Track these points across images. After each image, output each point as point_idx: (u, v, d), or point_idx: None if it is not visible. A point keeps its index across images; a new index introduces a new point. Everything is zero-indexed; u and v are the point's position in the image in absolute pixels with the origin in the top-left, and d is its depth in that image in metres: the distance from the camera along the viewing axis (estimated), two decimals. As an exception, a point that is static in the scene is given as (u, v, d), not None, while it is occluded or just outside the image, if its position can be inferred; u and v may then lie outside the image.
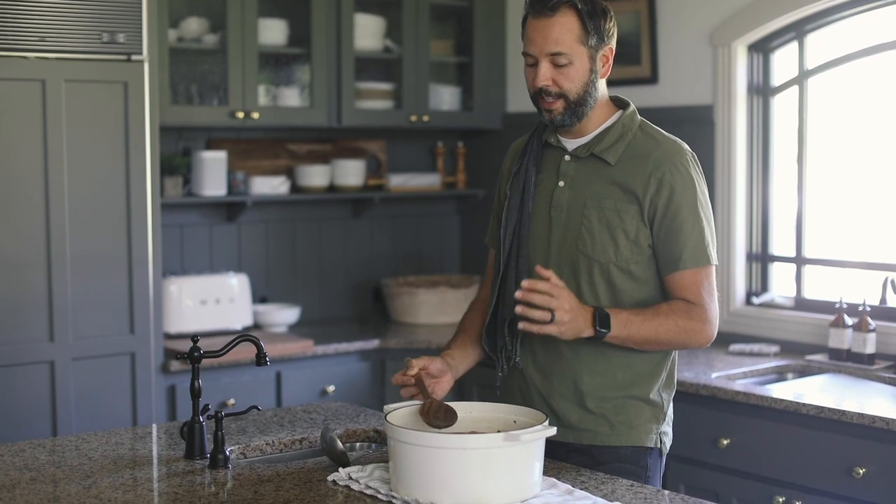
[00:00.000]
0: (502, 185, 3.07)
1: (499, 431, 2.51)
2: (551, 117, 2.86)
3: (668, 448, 2.94)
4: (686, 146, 2.89)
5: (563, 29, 2.78)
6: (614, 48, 2.88)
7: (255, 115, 5.17)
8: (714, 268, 2.85)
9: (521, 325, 2.70)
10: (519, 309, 2.69)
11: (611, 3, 4.88)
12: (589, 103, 2.85)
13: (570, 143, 2.92)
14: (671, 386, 2.95)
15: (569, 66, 2.80)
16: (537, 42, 2.80)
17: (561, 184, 2.90)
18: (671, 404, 2.96)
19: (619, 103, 2.96)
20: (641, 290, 2.85)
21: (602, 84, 2.89)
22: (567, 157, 2.91)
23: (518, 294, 2.69)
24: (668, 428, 2.94)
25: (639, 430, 2.88)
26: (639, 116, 2.94)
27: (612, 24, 2.86)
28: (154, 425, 3.35)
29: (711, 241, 2.85)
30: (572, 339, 2.73)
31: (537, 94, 2.85)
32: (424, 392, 2.75)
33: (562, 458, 2.86)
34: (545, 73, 2.81)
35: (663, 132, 2.92)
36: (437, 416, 2.66)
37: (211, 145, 5.42)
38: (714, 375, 4.28)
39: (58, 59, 4.30)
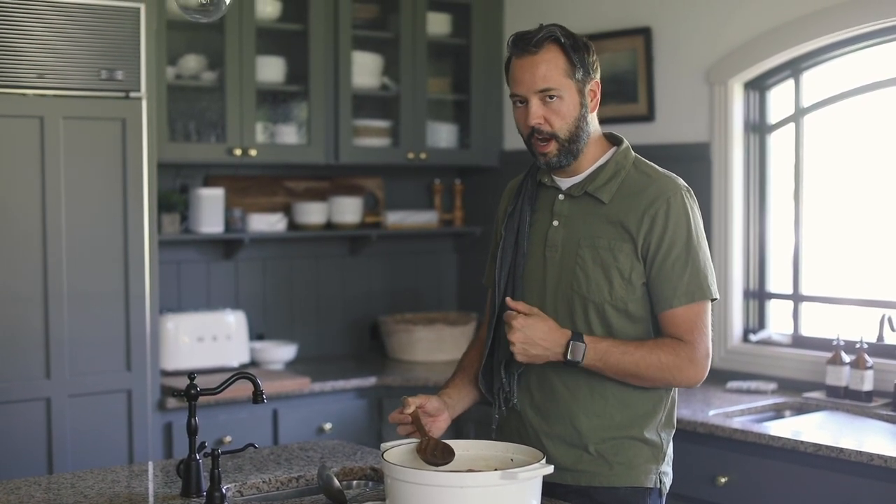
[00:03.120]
0: (499, 226, 3.06)
1: (496, 469, 2.51)
2: (546, 160, 2.85)
3: (668, 488, 2.92)
4: (681, 181, 2.88)
5: (550, 65, 2.78)
6: (600, 83, 2.88)
7: (253, 152, 5.18)
8: (709, 304, 2.83)
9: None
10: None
11: (607, 42, 4.90)
12: (582, 139, 2.84)
13: (564, 183, 2.91)
14: (670, 425, 2.93)
15: (559, 102, 2.79)
16: (525, 81, 2.80)
17: (555, 223, 2.89)
18: (671, 444, 2.94)
19: (613, 140, 2.95)
20: (637, 328, 2.84)
21: (594, 120, 2.88)
22: (561, 197, 2.90)
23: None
24: (667, 468, 2.92)
25: (638, 470, 2.86)
26: (633, 153, 2.93)
27: (594, 58, 2.86)
28: (150, 463, 3.34)
29: (709, 275, 2.83)
30: (540, 363, 2.77)
31: (530, 136, 2.84)
32: (421, 430, 2.74)
33: (560, 499, 2.85)
34: (536, 110, 2.80)
35: (657, 168, 2.91)
36: (435, 455, 2.65)
37: (209, 182, 5.42)
38: (712, 413, 4.27)
39: (56, 95, 4.31)
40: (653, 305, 2.83)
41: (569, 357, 2.74)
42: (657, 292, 2.81)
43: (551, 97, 2.79)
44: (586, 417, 2.84)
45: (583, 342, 2.74)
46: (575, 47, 2.80)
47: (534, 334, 2.73)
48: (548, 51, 2.78)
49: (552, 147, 2.82)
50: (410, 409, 2.77)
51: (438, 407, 2.86)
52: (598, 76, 2.87)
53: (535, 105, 2.80)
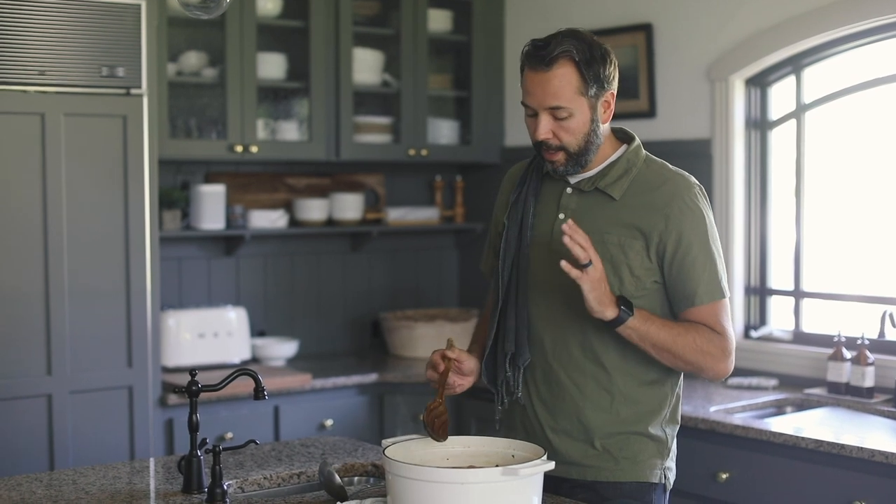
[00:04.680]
0: (500, 213, 3.05)
1: (497, 466, 2.51)
2: (554, 167, 2.84)
3: (672, 484, 2.93)
4: (693, 179, 2.88)
5: (562, 82, 2.75)
6: (616, 92, 2.85)
7: (254, 149, 5.18)
8: (728, 301, 2.84)
9: (562, 264, 2.65)
10: (566, 238, 2.66)
11: (608, 38, 4.88)
12: (592, 151, 2.83)
13: (573, 177, 2.90)
14: (675, 421, 2.93)
15: (569, 119, 2.77)
16: (536, 95, 2.78)
17: (561, 216, 2.88)
18: (675, 440, 2.94)
19: (624, 136, 2.94)
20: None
21: (604, 126, 2.87)
22: (569, 190, 2.90)
23: (565, 227, 2.66)
24: (672, 463, 2.93)
25: (643, 465, 2.86)
26: (644, 150, 2.92)
27: (612, 68, 2.81)
28: (151, 459, 3.34)
29: (723, 274, 2.84)
30: (596, 311, 2.68)
31: (539, 146, 2.83)
32: (442, 387, 2.79)
33: (566, 494, 2.85)
34: (545, 126, 2.78)
35: (669, 166, 2.91)
36: (434, 427, 2.70)
37: (209, 179, 5.42)
38: (713, 409, 4.27)
39: (57, 92, 4.31)
40: (673, 305, 2.84)
41: (622, 306, 2.69)
42: (678, 292, 2.81)
43: (562, 115, 2.77)
44: (592, 412, 2.84)
45: (629, 300, 2.74)
46: (590, 62, 2.76)
47: (602, 275, 2.68)
48: (561, 66, 2.75)
49: (560, 157, 2.82)
50: (454, 355, 2.81)
51: (472, 369, 2.89)
52: (614, 86, 2.84)
53: (545, 121, 2.79)
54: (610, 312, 2.70)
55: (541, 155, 2.86)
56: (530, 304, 2.89)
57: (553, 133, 2.79)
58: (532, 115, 2.82)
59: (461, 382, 2.88)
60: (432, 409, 2.73)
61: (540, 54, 2.76)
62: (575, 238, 2.66)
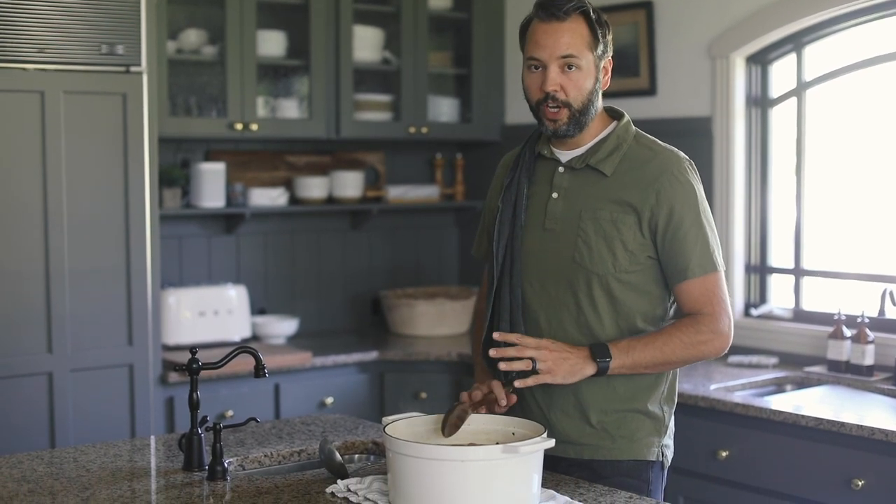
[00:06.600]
0: (493, 199, 3.06)
1: (497, 443, 2.51)
2: (555, 127, 2.84)
3: (669, 461, 2.93)
4: (682, 154, 2.89)
5: (575, 34, 2.79)
6: (612, 61, 2.91)
7: (254, 127, 5.17)
8: (722, 273, 2.85)
9: (517, 383, 2.71)
10: (503, 365, 2.72)
11: (609, 15, 4.90)
12: (591, 113, 2.85)
13: (564, 155, 2.91)
14: (672, 399, 2.94)
15: (577, 72, 2.80)
16: (547, 46, 2.80)
17: (555, 195, 2.89)
18: (672, 417, 2.95)
19: (613, 114, 2.96)
20: (643, 300, 2.84)
21: (600, 97, 2.89)
22: (561, 169, 2.90)
23: (492, 352, 2.73)
24: (669, 441, 2.93)
25: (640, 443, 2.87)
26: (633, 127, 2.93)
27: (611, 37, 2.88)
28: (152, 437, 3.35)
29: (716, 247, 2.84)
30: (577, 380, 2.74)
31: (541, 102, 2.83)
32: (477, 405, 2.77)
33: (563, 473, 2.85)
34: (554, 77, 2.80)
35: (659, 142, 2.92)
36: (449, 421, 2.67)
37: (210, 157, 5.42)
38: (713, 387, 4.28)
39: (57, 70, 4.30)
40: (667, 279, 2.84)
41: (597, 358, 2.73)
42: (671, 266, 2.81)
43: (570, 66, 2.80)
44: (589, 389, 2.84)
45: (603, 343, 2.77)
46: (599, 22, 2.83)
47: (556, 350, 2.73)
48: (574, 20, 2.80)
49: (563, 115, 2.82)
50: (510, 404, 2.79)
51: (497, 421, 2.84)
52: (610, 55, 2.89)
53: (554, 72, 2.80)
54: (590, 370, 2.75)
55: (541, 115, 2.85)
56: (525, 283, 2.89)
57: (561, 86, 2.81)
58: (537, 70, 2.83)
59: (486, 410, 2.85)
60: (460, 408, 2.70)
61: (556, 3, 2.80)
62: (506, 354, 2.71)
